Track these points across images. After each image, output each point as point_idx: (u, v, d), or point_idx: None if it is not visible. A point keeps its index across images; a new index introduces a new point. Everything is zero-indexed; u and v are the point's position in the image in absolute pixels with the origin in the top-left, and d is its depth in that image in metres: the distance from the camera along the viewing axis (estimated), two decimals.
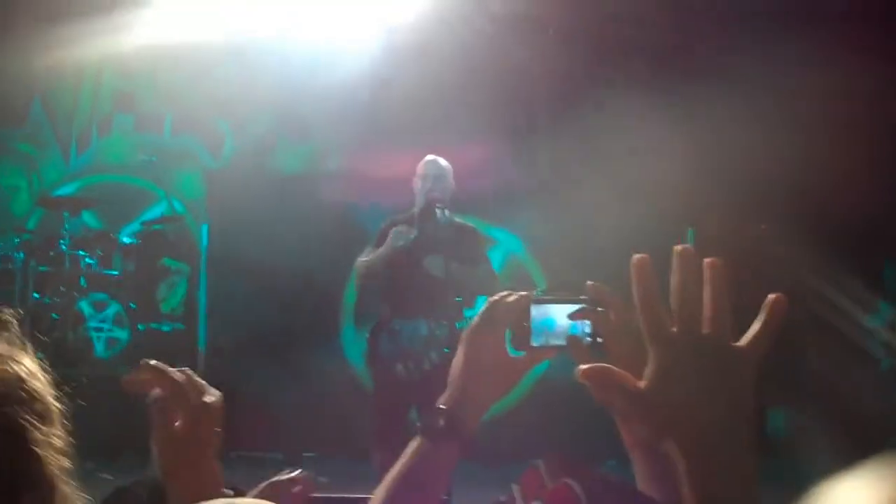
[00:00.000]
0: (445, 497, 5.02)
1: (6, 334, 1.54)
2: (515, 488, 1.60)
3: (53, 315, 8.47)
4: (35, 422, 1.47)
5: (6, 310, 1.58)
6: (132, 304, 8.68)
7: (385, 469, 5.53)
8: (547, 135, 9.27)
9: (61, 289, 8.63)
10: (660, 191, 8.40)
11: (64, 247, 8.72)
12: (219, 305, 8.51)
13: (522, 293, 1.65)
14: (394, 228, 5.83)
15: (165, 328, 8.63)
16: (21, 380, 1.50)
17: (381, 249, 5.83)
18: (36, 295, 8.50)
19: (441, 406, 1.61)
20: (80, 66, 10.18)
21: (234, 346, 8.26)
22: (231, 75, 9.80)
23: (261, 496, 2.41)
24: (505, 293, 1.64)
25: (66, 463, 1.53)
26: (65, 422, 1.56)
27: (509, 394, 1.65)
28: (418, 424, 1.62)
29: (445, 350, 5.74)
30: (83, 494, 1.59)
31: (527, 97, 9.28)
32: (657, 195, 8.33)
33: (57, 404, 1.54)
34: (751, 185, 8.65)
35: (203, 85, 10.16)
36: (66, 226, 8.83)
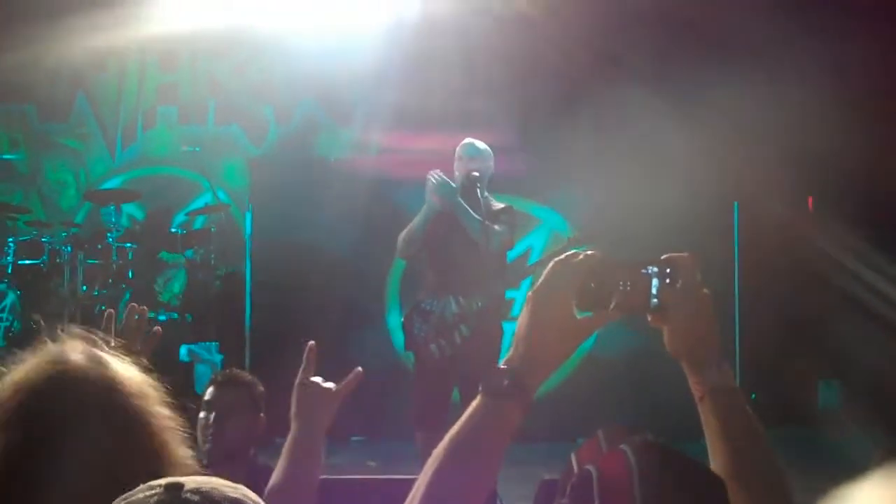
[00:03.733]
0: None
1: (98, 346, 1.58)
2: (573, 456, 1.58)
3: (102, 307, 8.57)
4: (155, 412, 1.52)
5: (98, 335, 1.62)
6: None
7: (428, 450, 5.56)
8: (589, 112, 9.21)
9: (109, 281, 8.73)
10: (705, 165, 8.32)
11: (111, 239, 8.81)
12: (263, 292, 8.55)
13: (589, 252, 1.63)
14: (432, 178, 5.85)
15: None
16: (128, 377, 1.53)
17: (419, 215, 5.88)
18: (84, 288, 8.60)
19: (505, 365, 1.59)
20: (123, 59, 10.28)
21: (278, 333, 8.30)
22: (273, 63, 9.84)
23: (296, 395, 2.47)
24: (571, 252, 1.63)
25: (186, 447, 1.54)
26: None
27: (573, 355, 1.63)
28: (482, 384, 1.60)
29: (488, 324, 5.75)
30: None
31: (568, 75, 9.22)
32: (702, 169, 8.25)
33: (167, 417, 1.54)
34: (798, 159, 8.56)
35: (245, 73, 10.22)
36: (113, 219, 8.93)
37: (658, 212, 8.46)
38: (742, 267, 9.17)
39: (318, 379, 2.49)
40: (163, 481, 1.16)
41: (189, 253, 9.10)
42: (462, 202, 5.81)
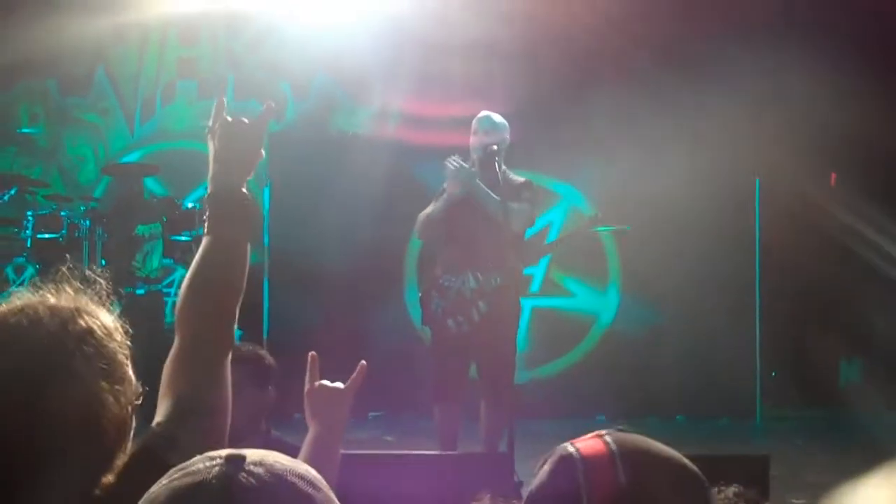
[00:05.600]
0: (506, 451, 5.04)
1: (91, 290, 1.67)
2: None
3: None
4: (99, 372, 1.56)
5: (96, 269, 1.73)
6: None
7: (445, 424, 5.56)
8: (610, 87, 9.15)
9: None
10: (726, 141, 8.27)
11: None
12: (281, 267, 8.56)
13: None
14: (450, 165, 5.85)
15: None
16: (90, 332, 1.58)
17: (439, 202, 5.87)
18: (104, 262, 8.61)
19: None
20: (143, 33, 10.27)
21: (296, 308, 8.30)
22: (289, 38, 9.81)
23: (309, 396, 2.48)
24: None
25: (129, 417, 1.58)
26: (136, 382, 1.61)
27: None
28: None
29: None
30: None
31: (587, 50, 9.16)
32: (723, 144, 8.20)
33: (128, 364, 1.59)
34: (820, 134, 8.49)
35: (264, 47, 10.19)
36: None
37: (679, 188, 8.43)
38: (763, 243, 9.12)
39: (325, 382, 2.51)
40: (223, 452, 1.15)
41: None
42: (482, 185, 5.80)
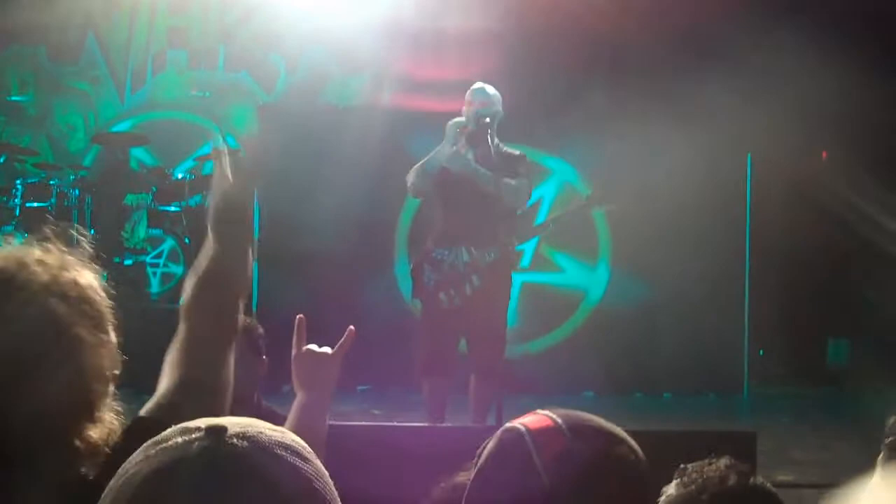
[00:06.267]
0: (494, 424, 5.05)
1: (77, 251, 1.70)
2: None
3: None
4: (88, 326, 1.59)
5: (82, 230, 1.81)
6: (187, 240, 8.74)
7: (434, 398, 5.55)
8: (603, 63, 9.13)
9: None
10: (718, 116, 8.25)
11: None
12: (271, 240, 8.53)
13: None
14: (452, 124, 5.83)
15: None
16: (76, 283, 1.62)
17: (432, 155, 5.87)
18: (92, 231, 8.58)
19: None
20: (134, 1, 10.20)
21: (286, 281, 8.28)
22: (283, 9, 9.75)
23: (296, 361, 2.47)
24: None
25: (113, 370, 1.58)
26: (116, 335, 1.62)
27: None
28: None
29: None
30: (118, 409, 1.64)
31: (582, 29, 9.12)
32: (715, 121, 8.18)
33: (111, 316, 1.60)
34: (812, 111, 8.48)
35: (255, 19, 10.13)
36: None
37: (670, 164, 8.42)
38: (753, 220, 9.12)
39: (312, 346, 2.48)
40: (201, 423, 1.06)
41: (198, 198, 9.06)
42: (478, 167, 5.78)
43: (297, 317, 2.54)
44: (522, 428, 1.49)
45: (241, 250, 2.02)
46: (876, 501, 1.17)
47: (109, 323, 1.65)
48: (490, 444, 1.52)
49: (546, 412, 1.51)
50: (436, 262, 5.84)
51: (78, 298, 1.60)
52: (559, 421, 1.49)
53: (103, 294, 1.68)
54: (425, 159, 5.92)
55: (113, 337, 1.65)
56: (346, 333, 2.53)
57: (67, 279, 1.61)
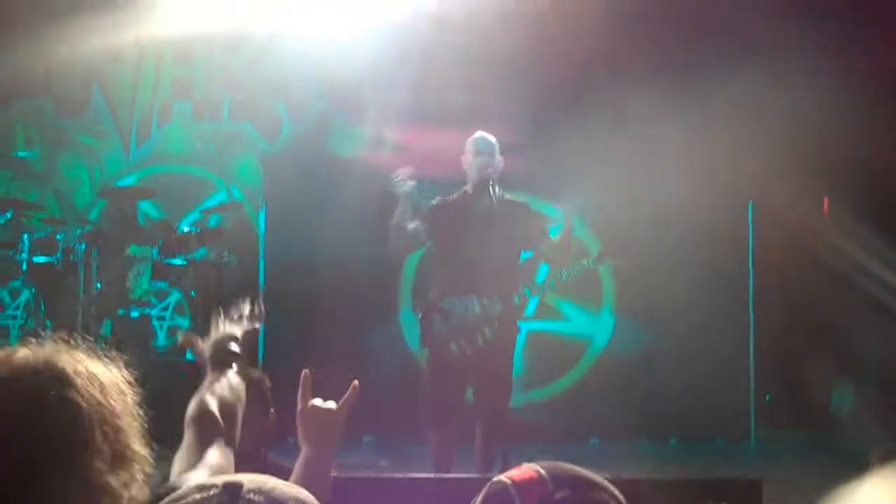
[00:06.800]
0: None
1: (79, 347, 1.64)
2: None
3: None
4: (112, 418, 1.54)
5: (78, 333, 1.71)
6: (192, 293, 8.77)
7: (441, 449, 5.55)
8: (602, 111, 9.20)
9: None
10: (720, 164, 8.30)
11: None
12: (277, 290, 8.57)
13: None
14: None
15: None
16: (102, 385, 1.58)
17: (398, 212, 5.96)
18: (98, 285, 8.61)
19: None
20: (139, 54, 10.30)
21: (291, 331, 8.30)
22: (285, 60, 9.84)
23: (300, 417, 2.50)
24: None
25: (140, 447, 1.58)
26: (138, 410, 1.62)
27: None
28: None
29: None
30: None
31: (579, 74, 9.20)
32: (717, 167, 8.23)
33: (134, 404, 1.59)
34: (813, 158, 8.52)
35: (259, 69, 10.22)
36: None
37: (673, 210, 8.45)
38: (757, 267, 9.15)
39: (317, 401, 2.51)
40: (218, 480, 1.10)
41: (203, 251, 9.10)
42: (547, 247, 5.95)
43: (303, 372, 2.56)
44: (508, 480, 1.56)
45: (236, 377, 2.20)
46: (874, 499, 1.20)
47: (135, 412, 1.62)
48: (478, 499, 1.59)
49: (532, 465, 1.58)
50: (445, 311, 5.82)
51: (110, 399, 1.57)
52: (542, 472, 1.55)
53: (128, 388, 1.64)
54: (394, 228, 5.99)
55: (137, 425, 1.62)
56: (350, 388, 2.56)
57: (97, 382, 1.57)
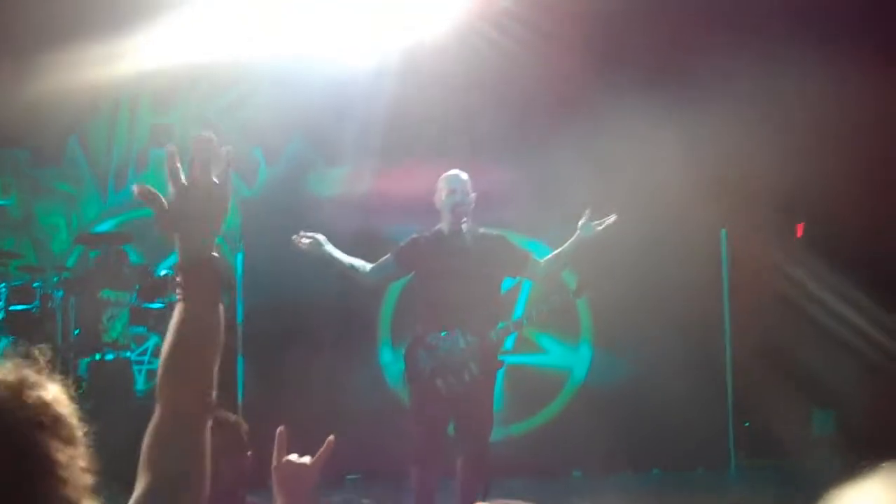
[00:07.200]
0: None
1: (36, 366, 1.62)
2: None
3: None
4: (59, 445, 1.54)
5: (38, 347, 1.68)
6: None
7: (424, 486, 5.58)
8: (576, 142, 9.27)
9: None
10: (691, 191, 8.36)
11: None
12: (255, 331, 8.57)
13: None
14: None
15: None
16: (47, 405, 1.57)
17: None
18: (77, 332, 8.61)
19: None
20: (116, 101, 10.33)
21: (270, 372, 8.30)
22: (260, 103, 9.90)
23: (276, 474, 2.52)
24: None
25: (89, 481, 1.59)
26: (88, 443, 1.63)
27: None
28: None
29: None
30: None
31: (547, 109, 9.29)
32: (688, 195, 8.30)
33: (80, 427, 1.61)
34: (787, 186, 8.61)
35: (234, 114, 10.28)
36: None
37: (646, 241, 8.51)
38: (731, 294, 9.20)
39: (293, 456, 2.56)
40: None
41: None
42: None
43: (278, 429, 2.61)
44: None
45: (207, 307, 1.95)
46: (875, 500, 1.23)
47: (78, 431, 1.60)
48: None
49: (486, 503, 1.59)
50: (431, 346, 5.82)
51: (49, 418, 1.55)
52: None
53: (69, 404, 1.61)
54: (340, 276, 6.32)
55: (83, 446, 1.60)
56: (325, 444, 2.60)
57: (33, 399, 1.55)
